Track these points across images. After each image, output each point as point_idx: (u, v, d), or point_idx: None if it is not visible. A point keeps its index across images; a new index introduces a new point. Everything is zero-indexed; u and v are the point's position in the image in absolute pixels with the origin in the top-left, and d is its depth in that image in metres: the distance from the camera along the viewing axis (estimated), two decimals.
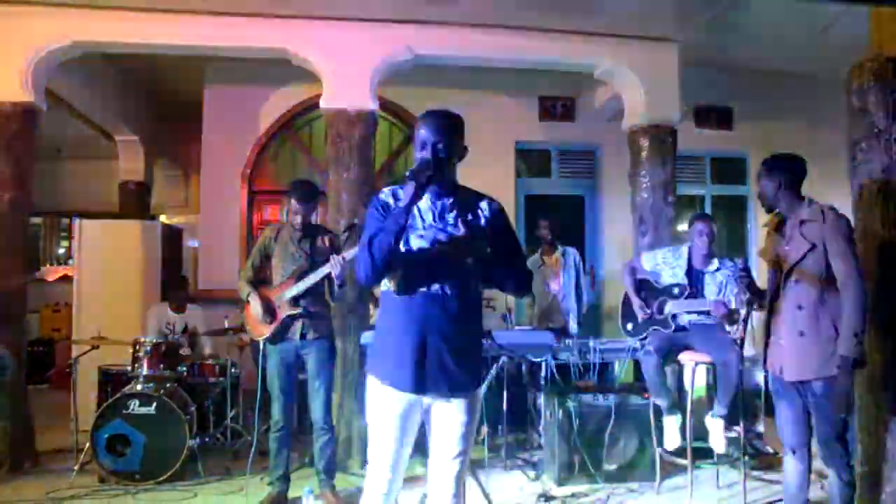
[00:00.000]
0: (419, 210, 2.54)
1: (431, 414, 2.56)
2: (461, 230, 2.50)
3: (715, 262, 4.75)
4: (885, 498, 3.71)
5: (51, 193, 10.25)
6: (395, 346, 2.49)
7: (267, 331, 4.31)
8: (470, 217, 2.55)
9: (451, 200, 2.56)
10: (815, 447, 3.40)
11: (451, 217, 2.53)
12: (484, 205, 2.62)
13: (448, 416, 2.53)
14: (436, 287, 2.47)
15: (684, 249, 4.86)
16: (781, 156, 3.49)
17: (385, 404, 2.52)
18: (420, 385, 2.46)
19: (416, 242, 2.50)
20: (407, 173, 2.40)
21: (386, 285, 2.55)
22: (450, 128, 2.51)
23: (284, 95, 7.62)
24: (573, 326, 6.30)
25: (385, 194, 2.58)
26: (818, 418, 3.28)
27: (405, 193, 2.43)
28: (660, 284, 4.86)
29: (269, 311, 4.33)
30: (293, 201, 4.39)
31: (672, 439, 4.59)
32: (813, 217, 3.29)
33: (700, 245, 4.73)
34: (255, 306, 4.34)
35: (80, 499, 4.50)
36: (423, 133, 2.49)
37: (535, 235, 6.62)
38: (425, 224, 2.53)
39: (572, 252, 6.52)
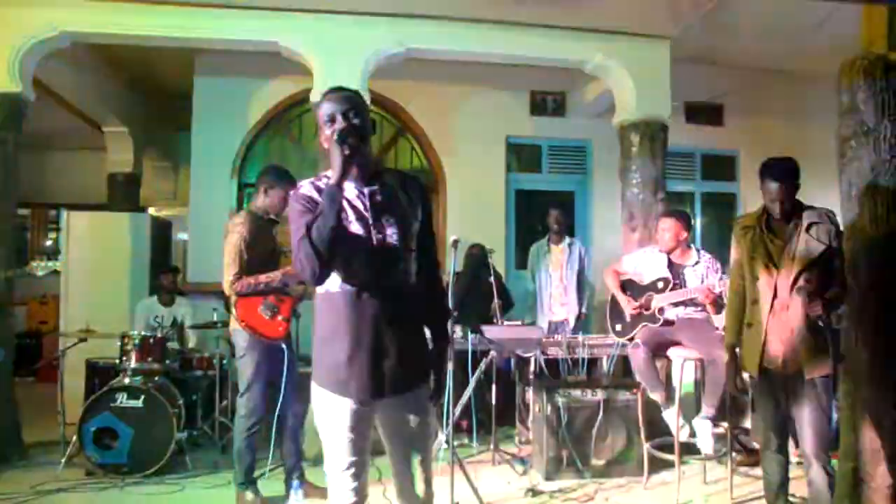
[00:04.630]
0: (347, 200, 2.36)
1: (383, 417, 2.45)
2: (394, 225, 2.37)
3: (693, 255, 4.83)
4: (868, 493, 3.74)
5: (38, 185, 10.19)
6: (338, 353, 2.33)
7: (283, 329, 4.15)
8: (402, 204, 2.42)
9: (375, 187, 2.42)
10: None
11: (380, 204, 2.39)
12: (411, 185, 2.50)
13: (400, 416, 2.43)
14: (378, 285, 2.33)
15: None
16: (792, 162, 3.48)
17: (334, 414, 2.36)
18: (367, 391, 2.33)
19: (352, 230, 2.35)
20: (336, 137, 2.27)
21: (323, 288, 2.36)
22: (354, 99, 2.40)
23: (275, 88, 7.59)
24: (571, 320, 6.34)
25: (306, 188, 2.39)
26: (816, 412, 3.31)
27: (334, 165, 2.27)
28: (643, 283, 4.89)
29: (272, 308, 4.16)
30: (285, 185, 4.18)
31: (680, 430, 4.58)
32: (820, 219, 3.39)
33: (661, 242, 4.85)
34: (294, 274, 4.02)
35: (67, 492, 4.48)
36: (327, 107, 2.37)
37: (540, 227, 6.67)
38: (355, 215, 2.36)
39: (578, 244, 6.56)
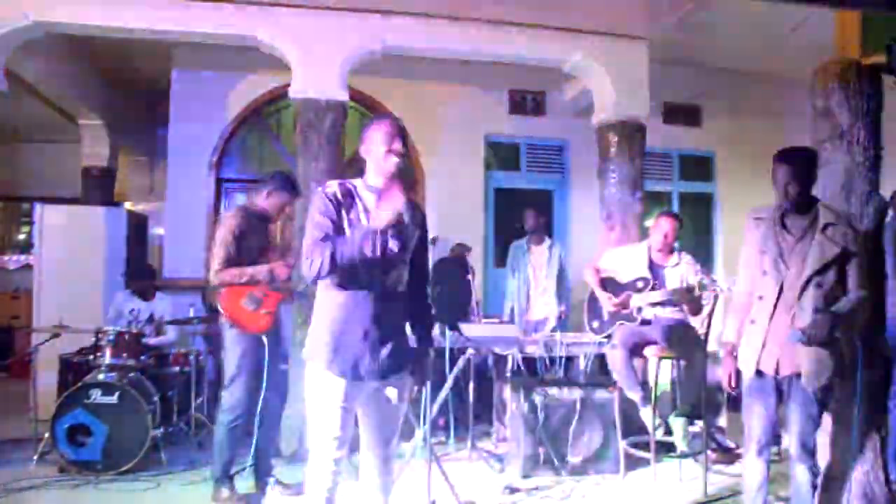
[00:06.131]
0: (366, 208, 2.68)
1: (368, 398, 2.75)
2: (399, 240, 2.67)
3: (675, 257, 4.86)
4: (843, 492, 3.81)
5: (10, 177, 10.05)
6: (337, 337, 2.66)
7: (265, 322, 4.16)
8: (407, 224, 2.72)
9: None
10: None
11: None
12: (413, 208, 2.79)
13: (383, 400, 2.77)
14: (374, 282, 2.66)
15: (643, 245, 4.96)
16: (806, 149, 3.37)
17: (329, 391, 2.66)
18: (360, 372, 2.66)
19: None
20: (390, 174, 2.60)
21: (326, 280, 2.68)
22: (406, 133, 2.72)
23: (253, 82, 7.53)
24: (552, 320, 6.37)
25: (333, 188, 2.68)
26: (804, 417, 3.25)
27: (383, 209, 2.51)
28: (623, 281, 4.92)
29: (256, 300, 4.18)
30: (287, 194, 4.35)
31: (656, 428, 4.63)
32: (838, 221, 3.25)
33: (657, 242, 4.84)
34: (282, 272, 4.15)
35: (39, 489, 4.42)
36: (389, 134, 2.65)
37: (518, 226, 6.69)
38: (368, 220, 2.65)
39: (559, 247, 6.60)
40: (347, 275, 2.62)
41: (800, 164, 3.26)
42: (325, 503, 2.65)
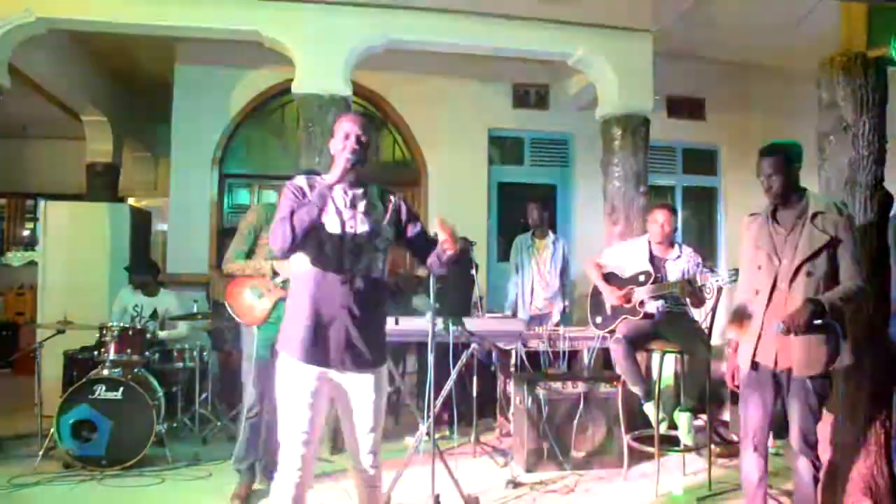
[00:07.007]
0: (332, 197, 2.79)
1: (341, 391, 2.79)
2: (367, 224, 2.80)
3: (676, 250, 4.85)
4: (845, 484, 3.80)
5: (15, 174, 10.07)
6: (307, 324, 2.70)
7: (261, 315, 4.18)
8: (378, 211, 2.87)
9: (360, 192, 2.87)
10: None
11: (361, 206, 2.84)
12: (393, 199, 2.95)
13: (357, 392, 2.78)
14: (346, 271, 2.73)
15: (643, 239, 4.95)
16: (788, 142, 3.36)
17: (297, 380, 2.70)
18: (329, 360, 2.71)
19: (328, 223, 2.75)
20: (349, 156, 2.72)
21: (298, 266, 2.78)
22: (367, 123, 2.86)
23: (256, 78, 7.54)
24: (556, 314, 6.36)
25: (299, 180, 2.84)
26: (803, 410, 3.23)
27: (334, 172, 2.74)
28: (625, 275, 4.91)
29: (259, 293, 4.19)
30: None
31: (660, 422, 4.62)
32: (827, 209, 3.24)
33: (655, 233, 4.82)
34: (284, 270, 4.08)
35: (45, 485, 4.43)
36: (347, 125, 2.80)
37: (522, 221, 6.68)
38: (335, 209, 2.79)
39: (562, 242, 6.59)
40: (313, 249, 2.70)
41: (780, 158, 3.28)
42: (292, 500, 2.66)
